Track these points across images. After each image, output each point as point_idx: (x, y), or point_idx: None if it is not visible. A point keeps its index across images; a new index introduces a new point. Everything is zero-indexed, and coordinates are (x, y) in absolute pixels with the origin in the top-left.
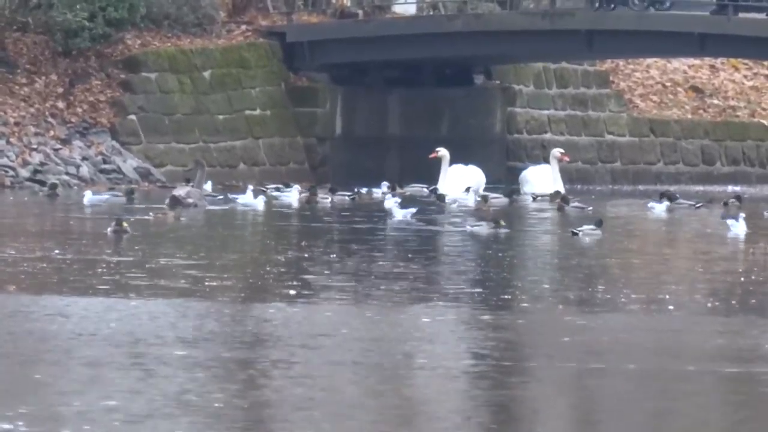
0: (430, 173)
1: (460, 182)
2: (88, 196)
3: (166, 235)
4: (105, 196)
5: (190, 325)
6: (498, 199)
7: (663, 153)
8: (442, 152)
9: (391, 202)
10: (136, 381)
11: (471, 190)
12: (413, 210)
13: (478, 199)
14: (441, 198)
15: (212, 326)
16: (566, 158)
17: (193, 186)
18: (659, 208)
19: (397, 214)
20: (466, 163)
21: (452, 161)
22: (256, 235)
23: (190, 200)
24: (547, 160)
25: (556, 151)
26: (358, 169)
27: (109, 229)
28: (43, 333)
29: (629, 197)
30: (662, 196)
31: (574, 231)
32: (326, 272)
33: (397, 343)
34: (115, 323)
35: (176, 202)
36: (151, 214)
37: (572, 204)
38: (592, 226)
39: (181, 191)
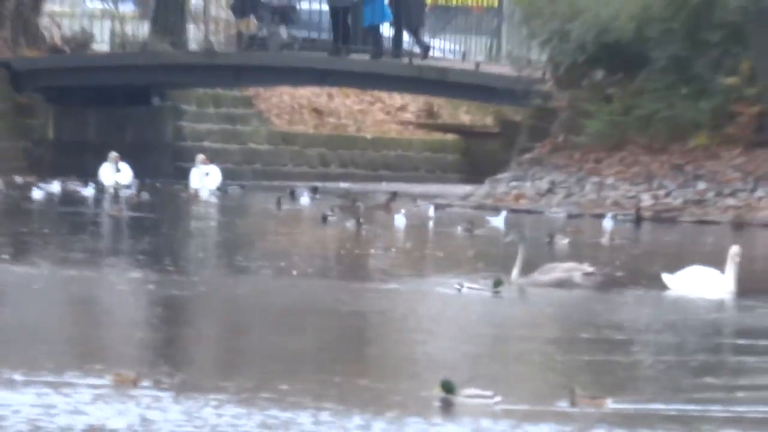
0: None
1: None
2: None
3: None
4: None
5: None
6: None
7: (292, 158)
8: (113, 155)
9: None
10: None
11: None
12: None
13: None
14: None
15: None
16: (208, 161)
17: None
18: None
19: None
20: (135, 164)
21: (132, 162)
22: None
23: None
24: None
25: (200, 156)
26: (65, 166)
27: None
28: None
29: (274, 190)
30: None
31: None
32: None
33: None
34: None
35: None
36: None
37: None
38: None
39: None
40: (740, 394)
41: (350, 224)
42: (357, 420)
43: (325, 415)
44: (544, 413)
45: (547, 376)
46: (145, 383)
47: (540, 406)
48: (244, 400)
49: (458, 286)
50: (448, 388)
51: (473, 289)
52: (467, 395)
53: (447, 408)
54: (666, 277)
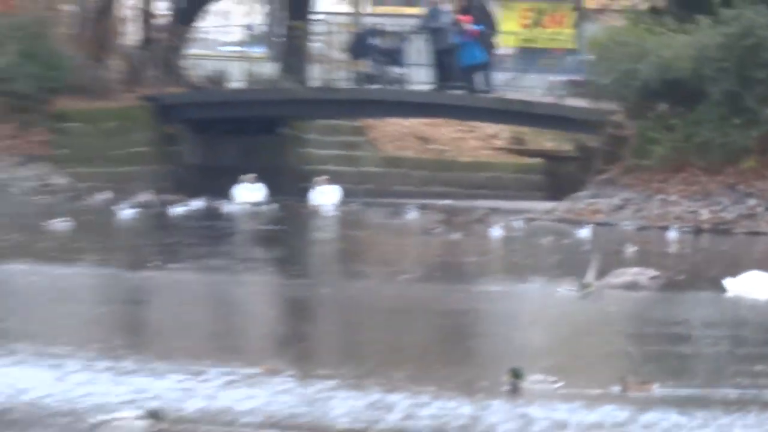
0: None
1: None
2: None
3: None
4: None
5: None
6: None
7: (399, 179)
8: (248, 176)
9: None
10: None
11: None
12: None
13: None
14: None
15: None
16: (326, 182)
17: None
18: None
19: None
20: (265, 184)
21: (263, 183)
22: None
23: None
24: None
25: (319, 177)
26: (206, 187)
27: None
28: None
29: (384, 206)
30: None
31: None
32: None
33: None
34: None
35: None
36: None
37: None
38: None
39: None
40: None
41: (451, 235)
42: (451, 403)
43: (423, 398)
44: (600, 396)
45: (610, 365)
46: (276, 372)
47: (596, 390)
48: (355, 385)
49: (564, 289)
50: (516, 374)
51: (568, 290)
52: (533, 381)
53: (516, 392)
54: (727, 281)
